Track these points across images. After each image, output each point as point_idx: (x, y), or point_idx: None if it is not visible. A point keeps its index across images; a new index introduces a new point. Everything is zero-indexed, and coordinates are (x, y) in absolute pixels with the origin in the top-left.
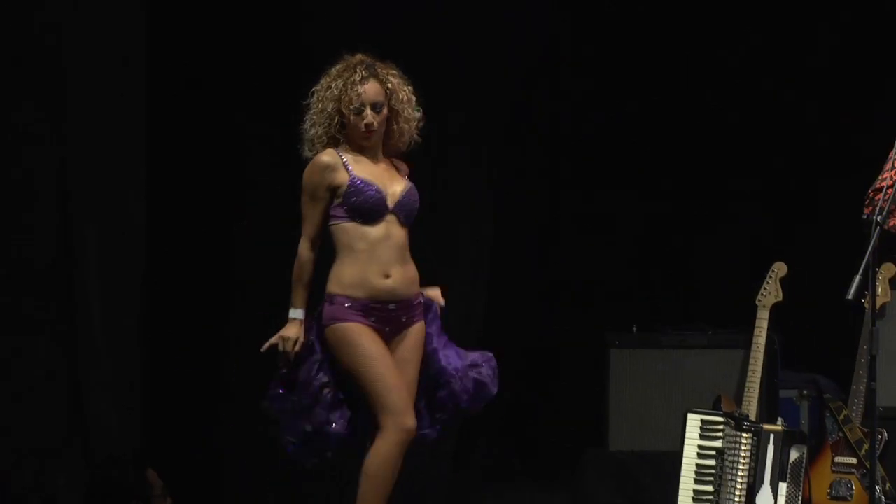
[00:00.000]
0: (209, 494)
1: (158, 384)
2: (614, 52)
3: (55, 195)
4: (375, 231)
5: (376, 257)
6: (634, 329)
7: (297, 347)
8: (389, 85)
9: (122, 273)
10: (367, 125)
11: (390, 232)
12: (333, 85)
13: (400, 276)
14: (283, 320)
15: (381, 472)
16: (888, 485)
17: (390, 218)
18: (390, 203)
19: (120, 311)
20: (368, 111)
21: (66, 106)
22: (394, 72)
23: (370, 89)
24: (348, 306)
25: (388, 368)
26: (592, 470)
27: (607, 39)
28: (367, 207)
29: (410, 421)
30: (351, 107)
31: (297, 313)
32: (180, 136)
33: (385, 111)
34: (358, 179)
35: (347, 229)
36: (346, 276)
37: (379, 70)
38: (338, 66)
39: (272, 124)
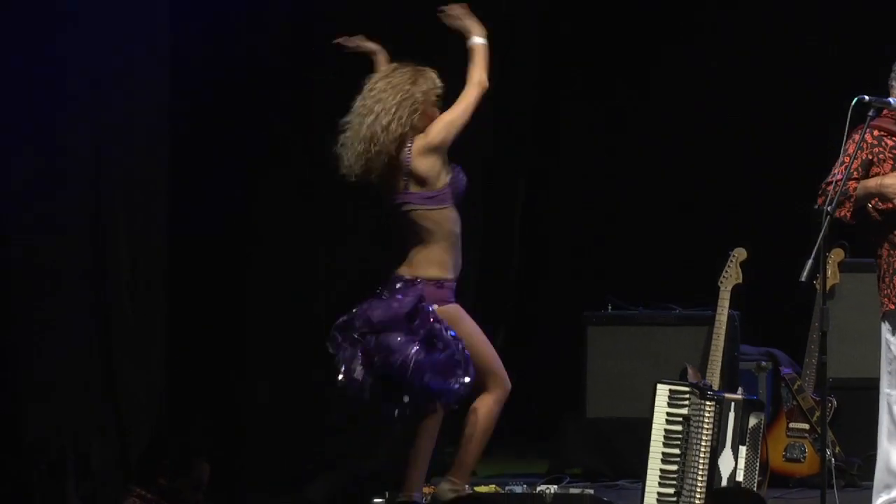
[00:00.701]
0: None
1: (182, 359)
2: (590, 39)
3: (90, 184)
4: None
5: (459, 242)
6: (610, 308)
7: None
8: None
9: (148, 258)
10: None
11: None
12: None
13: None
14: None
15: (490, 424)
16: (837, 448)
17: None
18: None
19: (147, 290)
20: None
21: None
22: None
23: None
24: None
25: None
26: (571, 434)
27: (579, 23)
28: (460, 193)
29: (509, 383)
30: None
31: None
32: (202, 113)
33: None
34: (456, 166)
35: (450, 216)
36: (448, 260)
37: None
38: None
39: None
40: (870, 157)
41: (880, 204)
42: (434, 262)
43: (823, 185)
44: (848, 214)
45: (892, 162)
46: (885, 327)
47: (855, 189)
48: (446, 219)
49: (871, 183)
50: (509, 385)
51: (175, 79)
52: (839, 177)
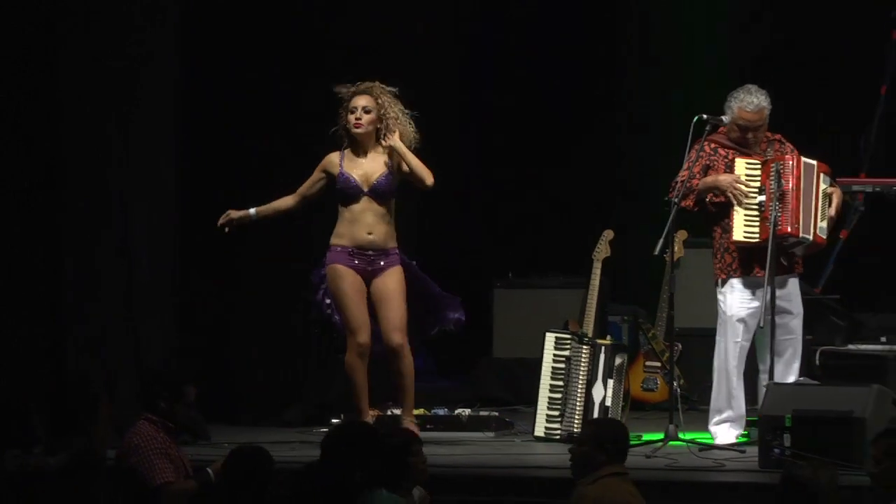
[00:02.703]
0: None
1: (187, 315)
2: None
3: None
4: (358, 206)
5: (359, 221)
6: (510, 274)
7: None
8: (381, 99)
9: (161, 236)
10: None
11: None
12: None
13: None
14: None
15: (347, 369)
16: (682, 380)
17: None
18: (365, 188)
19: (158, 256)
20: (360, 112)
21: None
22: (392, 94)
23: (361, 99)
24: (342, 252)
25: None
26: (483, 371)
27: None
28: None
29: (361, 337)
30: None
31: (252, 210)
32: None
33: (373, 115)
34: (343, 174)
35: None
36: (342, 231)
37: (377, 88)
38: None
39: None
40: (707, 163)
41: (715, 198)
42: (334, 233)
43: (672, 183)
44: (691, 204)
45: (723, 167)
46: (718, 291)
47: (696, 184)
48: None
49: (709, 179)
50: (361, 339)
51: (184, 77)
52: (684, 176)
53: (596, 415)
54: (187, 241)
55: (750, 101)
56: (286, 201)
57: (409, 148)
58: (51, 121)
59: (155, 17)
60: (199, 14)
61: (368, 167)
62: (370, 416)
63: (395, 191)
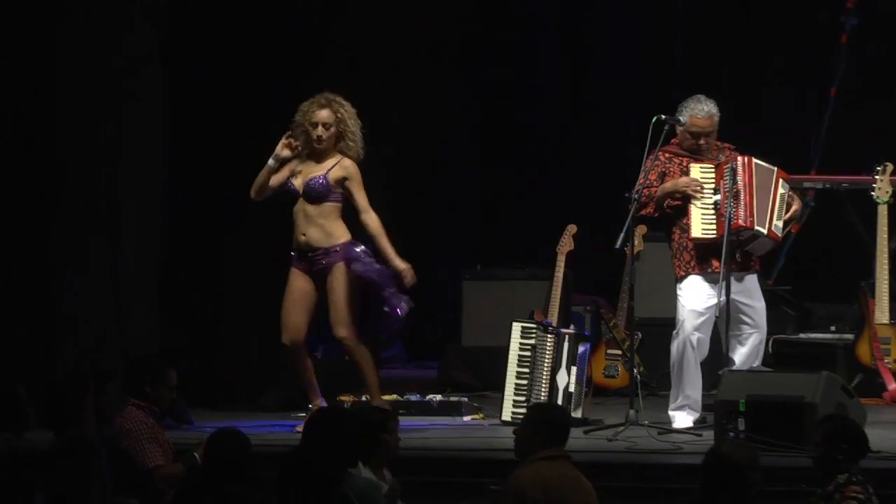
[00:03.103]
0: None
1: (170, 305)
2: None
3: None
4: (296, 208)
5: (296, 223)
6: (478, 267)
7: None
8: (339, 114)
9: (147, 230)
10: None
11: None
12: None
13: (314, 233)
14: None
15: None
16: (641, 368)
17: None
18: (301, 190)
19: (145, 250)
20: (320, 128)
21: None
22: (346, 105)
23: (323, 114)
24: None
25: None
26: (452, 358)
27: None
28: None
29: (285, 338)
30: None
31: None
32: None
33: (333, 130)
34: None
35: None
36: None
37: (333, 102)
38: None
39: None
40: (663, 170)
41: (672, 202)
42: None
43: (635, 190)
44: (651, 210)
45: (679, 173)
46: (678, 287)
47: (655, 192)
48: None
49: (667, 185)
50: (284, 338)
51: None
52: (642, 183)
53: (560, 401)
54: (174, 235)
55: (700, 109)
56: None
57: (356, 159)
58: (47, 118)
59: (149, 18)
60: (190, 13)
61: (308, 170)
62: (346, 399)
63: (331, 195)
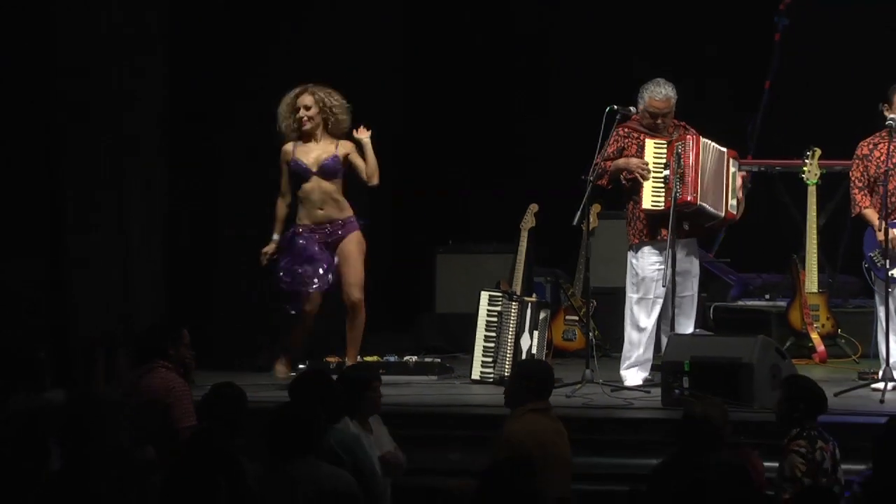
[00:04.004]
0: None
1: (175, 277)
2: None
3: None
4: (308, 186)
5: (309, 200)
6: (450, 242)
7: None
8: (316, 96)
9: (151, 210)
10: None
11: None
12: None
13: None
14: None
15: None
16: (596, 332)
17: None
18: (314, 169)
19: (151, 225)
20: (302, 110)
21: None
22: (327, 89)
23: (305, 99)
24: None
25: None
26: (427, 324)
27: None
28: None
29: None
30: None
31: (274, 236)
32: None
33: (316, 111)
34: (294, 160)
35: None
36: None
37: (312, 88)
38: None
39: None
40: (622, 145)
41: (629, 175)
42: (297, 216)
43: (592, 165)
44: (605, 182)
45: (635, 147)
46: (630, 254)
47: (609, 166)
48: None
49: (620, 161)
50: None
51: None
52: (599, 159)
53: None
54: (175, 206)
55: (659, 92)
56: (283, 208)
57: (342, 132)
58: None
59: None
60: (187, 5)
61: (318, 151)
62: (332, 361)
63: (342, 171)
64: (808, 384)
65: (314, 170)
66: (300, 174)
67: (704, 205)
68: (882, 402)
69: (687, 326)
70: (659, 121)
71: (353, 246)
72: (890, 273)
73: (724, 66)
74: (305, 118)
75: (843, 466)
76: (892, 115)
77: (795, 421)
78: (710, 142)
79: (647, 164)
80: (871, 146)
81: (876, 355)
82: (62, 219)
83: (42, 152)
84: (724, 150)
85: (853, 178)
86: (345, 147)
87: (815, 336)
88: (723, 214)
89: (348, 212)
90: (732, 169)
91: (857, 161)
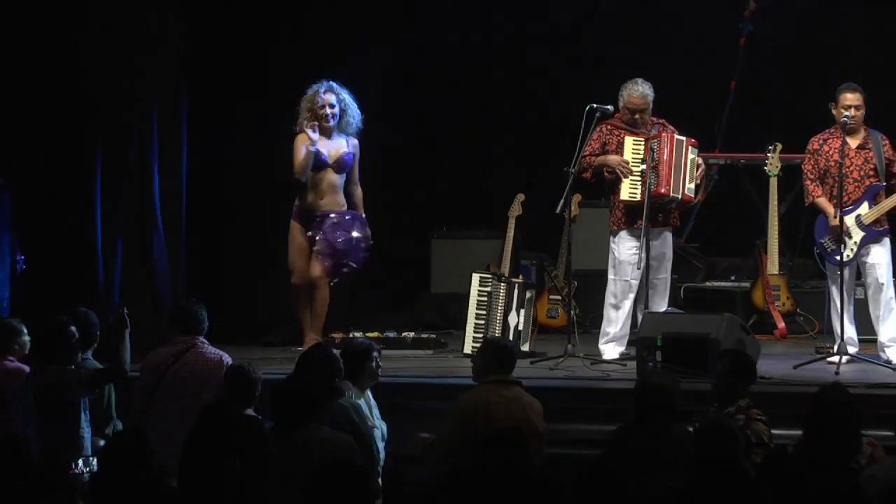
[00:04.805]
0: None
1: (193, 256)
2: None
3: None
4: (318, 176)
5: (316, 188)
6: (444, 228)
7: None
8: (340, 96)
9: (171, 191)
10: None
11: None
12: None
13: (328, 198)
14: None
15: None
16: (577, 310)
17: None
18: (331, 161)
19: (171, 208)
20: (327, 108)
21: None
22: (343, 90)
23: (329, 97)
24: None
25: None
26: (423, 302)
27: None
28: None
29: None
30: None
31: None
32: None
33: (337, 109)
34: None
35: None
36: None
37: (333, 87)
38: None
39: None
40: (604, 140)
41: (608, 171)
42: (300, 196)
43: (575, 159)
44: (588, 175)
45: (615, 144)
46: (611, 240)
47: (593, 161)
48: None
49: (601, 158)
50: (295, 280)
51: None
52: (584, 153)
53: (511, 337)
54: (193, 198)
55: (636, 90)
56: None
57: (355, 131)
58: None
59: None
60: None
61: (335, 146)
62: (334, 338)
63: (350, 167)
64: (743, 358)
65: (331, 162)
66: (317, 164)
67: (677, 196)
68: (837, 373)
69: (660, 306)
70: (637, 116)
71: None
72: (843, 255)
73: (692, 69)
74: (330, 115)
75: (798, 432)
76: (846, 114)
77: (738, 394)
78: (683, 139)
79: (627, 161)
80: (821, 141)
81: (830, 331)
82: (92, 204)
83: (73, 142)
84: (683, 138)
85: (805, 171)
86: (355, 147)
87: (776, 314)
88: (680, 197)
89: (344, 205)
90: (691, 156)
91: (808, 155)
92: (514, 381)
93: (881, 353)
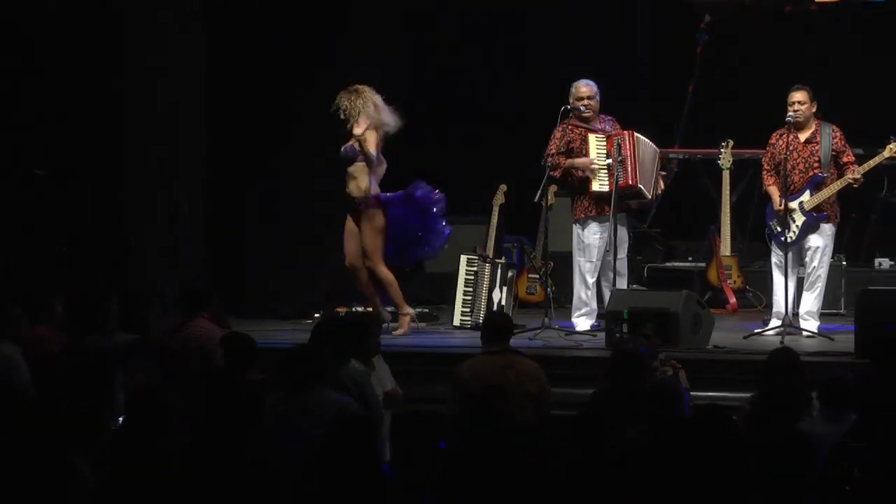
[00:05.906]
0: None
1: (215, 240)
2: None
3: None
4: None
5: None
6: None
7: None
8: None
9: (192, 179)
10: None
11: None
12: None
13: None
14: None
15: None
16: (553, 287)
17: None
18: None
19: (193, 195)
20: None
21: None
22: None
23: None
24: None
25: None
26: (418, 281)
27: None
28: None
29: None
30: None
31: None
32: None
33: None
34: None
35: None
36: None
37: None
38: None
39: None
40: (568, 138)
41: (578, 173)
42: None
43: (546, 154)
44: (558, 174)
45: (579, 140)
46: (576, 226)
47: (563, 162)
48: None
49: (569, 162)
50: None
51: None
52: (552, 150)
53: (495, 310)
54: (213, 178)
55: (582, 81)
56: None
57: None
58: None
59: None
60: None
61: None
62: (342, 311)
63: (357, 157)
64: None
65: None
66: (353, 157)
67: (641, 186)
68: (782, 343)
69: (623, 283)
70: (584, 103)
71: (363, 222)
72: (786, 236)
73: (655, 74)
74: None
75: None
76: (790, 112)
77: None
78: (641, 136)
79: (592, 161)
80: (777, 136)
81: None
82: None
83: (105, 129)
84: (657, 149)
85: (763, 162)
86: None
87: (728, 290)
88: (649, 197)
89: (366, 192)
90: (658, 167)
91: (768, 148)
92: (511, 350)
93: (800, 322)
